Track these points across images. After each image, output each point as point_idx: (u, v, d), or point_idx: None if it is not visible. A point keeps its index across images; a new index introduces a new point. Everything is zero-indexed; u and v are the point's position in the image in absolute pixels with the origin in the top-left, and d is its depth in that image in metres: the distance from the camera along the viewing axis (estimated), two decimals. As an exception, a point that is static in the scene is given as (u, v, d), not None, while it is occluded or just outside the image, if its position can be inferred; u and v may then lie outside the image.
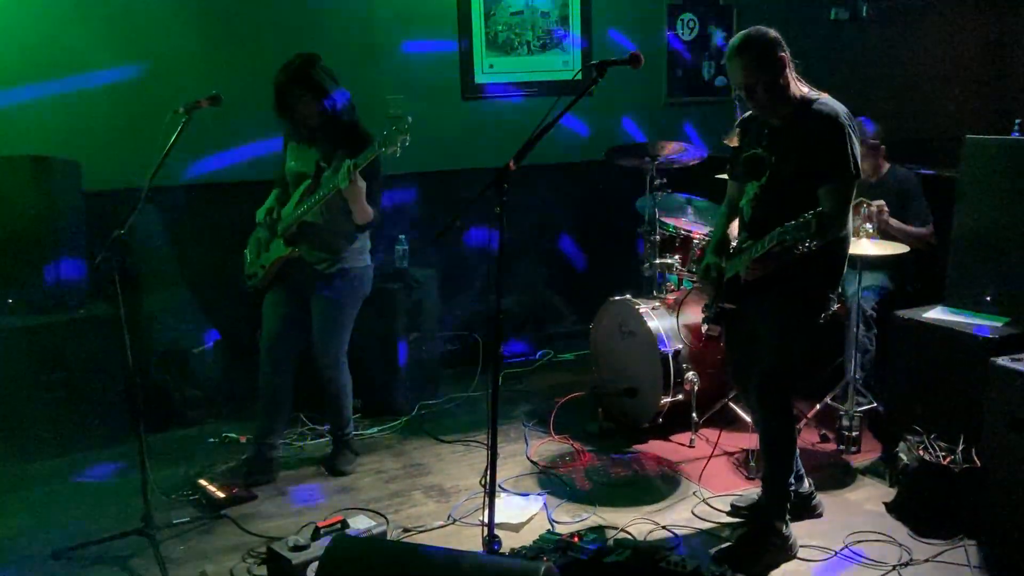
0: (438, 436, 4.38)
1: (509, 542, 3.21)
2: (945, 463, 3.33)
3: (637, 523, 3.45)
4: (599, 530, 3.38)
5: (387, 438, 4.40)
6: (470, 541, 3.32)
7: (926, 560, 3.14)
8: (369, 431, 4.43)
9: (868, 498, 3.62)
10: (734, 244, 3.31)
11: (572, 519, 3.51)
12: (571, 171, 5.60)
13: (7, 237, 4.10)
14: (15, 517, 3.64)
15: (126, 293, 3.19)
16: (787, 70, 3.02)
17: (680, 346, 4.18)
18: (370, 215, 3.64)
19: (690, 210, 4.75)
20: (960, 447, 3.36)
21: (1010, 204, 3.59)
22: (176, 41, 4.56)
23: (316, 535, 3.05)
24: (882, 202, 4.18)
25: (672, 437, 4.26)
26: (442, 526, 3.48)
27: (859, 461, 3.94)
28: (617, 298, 4.44)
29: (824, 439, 4.15)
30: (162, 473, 3.88)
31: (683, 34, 5.78)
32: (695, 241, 4.41)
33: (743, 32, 3.04)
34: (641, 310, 4.26)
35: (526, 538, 3.29)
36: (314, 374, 3.93)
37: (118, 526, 3.40)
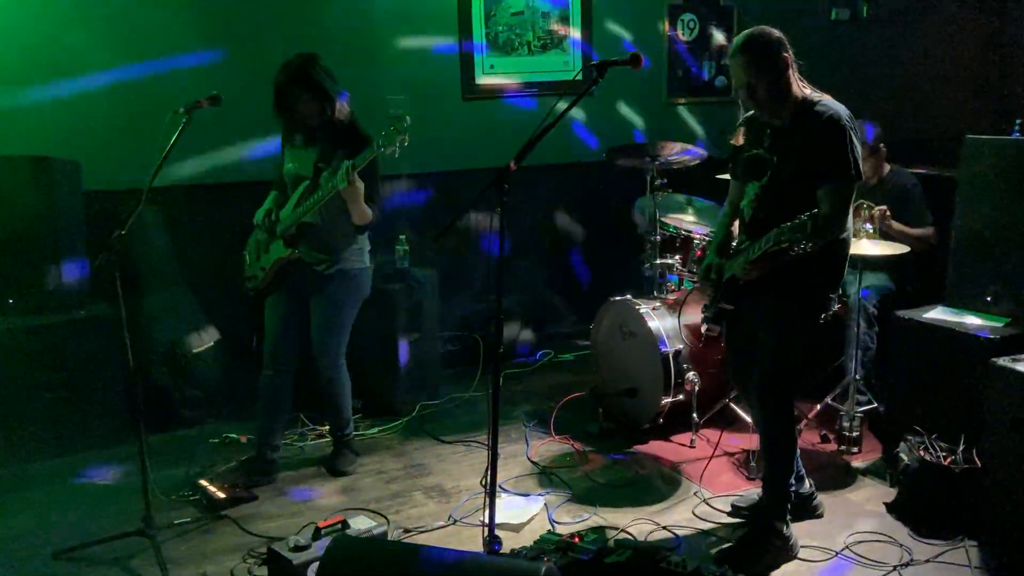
0: (439, 436, 4.38)
1: (510, 543, 3.21)
2: (946, 463, 3.33)
3: (638, 523, 3.46)
4: (600, 530, 3.38)
5: (387, 438, 4.40)
6: (471, 542, 3.33)
7: (927, 560, 3.14)
8: (369, 431, 4.43)
9: (869, 498, 3.62)
10: (735, 245, 3.32)
11: (573, 519, 3.51)
12: (571, 171, 5.60)
13: (7, 237, 4.10)
14: (15, 517, 3.64)
15: (126, 293, 3.19)
16: (789, 71, 3.02)
17: (681, 346, 4.18)
18: (369, 216, 3.64)
19: (690, 210, 4.75)
20: (961, 447, 3.37)
21: (1010, 204, 3.59)
22: (176, 41, 4.56)
23: (317, 535, 3.05)
24: (884, 207, 4.18)
25: (673, 437, 4.26)
26: (443, 527, 3.48)
27: (860, 461, 3.94)
28: (618, 298, 4.44)
29: (825, 439, 4.15)
30: (162, 473, 3.88)
31: (684, 34, 5.78)
32: (695, 241, 4.41)
33: (747, 31, 3.04)
34: (642, 310, 4.26)
35: (527, 538, 3.29)
36: (314, 374, 3.93)
37: (118, 526, 3.40)
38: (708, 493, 3.69)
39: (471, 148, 5.29)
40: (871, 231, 4.07)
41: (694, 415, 4.19)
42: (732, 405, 4.31)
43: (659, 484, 3.83)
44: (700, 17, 5.80)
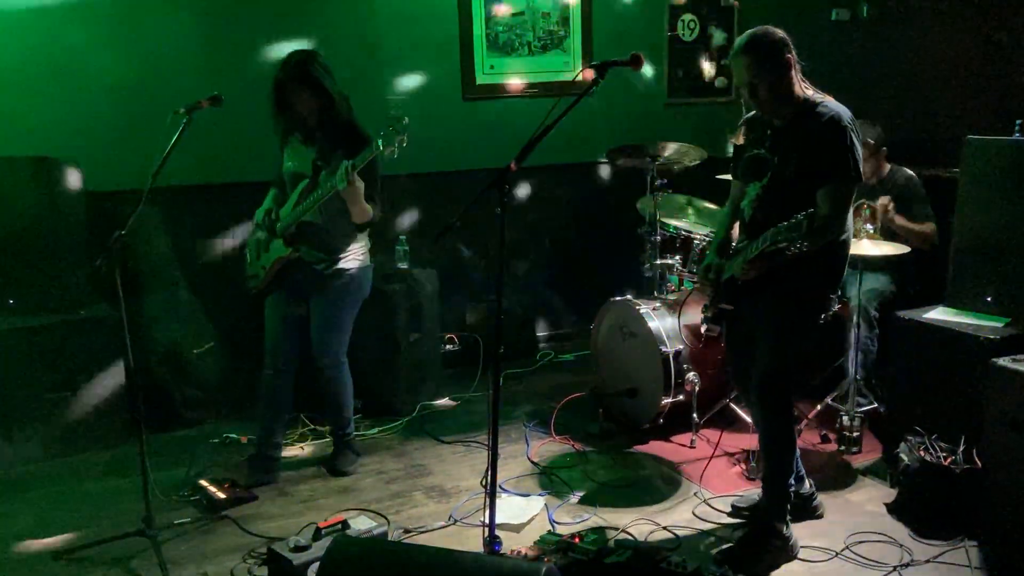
0: (439, 437, 4.38)
1: (510, 543, 3.21)
2: (946, 464, 3.33)
3: (638, 524, 3.45)
4: (600, 531, 3.37)
5: (388, 439, 4.40)
6: (471, 542, 3.33)
7: (927, 561, 3.14)
8: (370, 432, 4.43)
9: (869, 499, 3.62)
10: (734, 245, 3.32)
11: (573, 520, 3.51)
12: (572, 172, 5.60)
13: (8, 237, 4.10)
14: (15, 517, 3.64)
15: (126, 293, 3.19)
16: (792, 71, 3.02)
17: (681, 347, 4.18)
18: (369, 214, 3.64)
19: (690, 211, 4.75)
20: (961, 448, 3.37)
21: (1011, 205, 3.59)
22: (177, 41, 4.56)
23: (317, 536, 3.05)
24: (888, 198, 4.18)
25: (673, 438, 4.26)
26: (443, 527, 3.48)
27: (860, 462, 3.94)
28: (618, 299, 4.44)
29: (825, 440, 4.15)
30: (163, 474, 3.88)
31: (684, 35, 5.78)
32: (695, 242, 4.42)
33: (750, 31, 3.04)
34: (642, 311, 4.26)
35: (527, 539, 3.29)
36: (314, 374, 3.93)
37: (119, 527, 3.40)
38: (708, 493, 3.69)
39: (471, 149, 5.30)
40: (872, 231, 4.07)
41: (694, 415, 4.19)
42: (732, 405, 4.31)
43: (659, 484, 3.83)
44: (700, 17, 5.80)
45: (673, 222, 4.62)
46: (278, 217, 3.75)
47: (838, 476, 3.81)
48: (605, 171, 5.02)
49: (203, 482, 3.79)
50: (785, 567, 3.14)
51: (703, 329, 3.42)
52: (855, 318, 3.99)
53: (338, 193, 3.50)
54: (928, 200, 4.37)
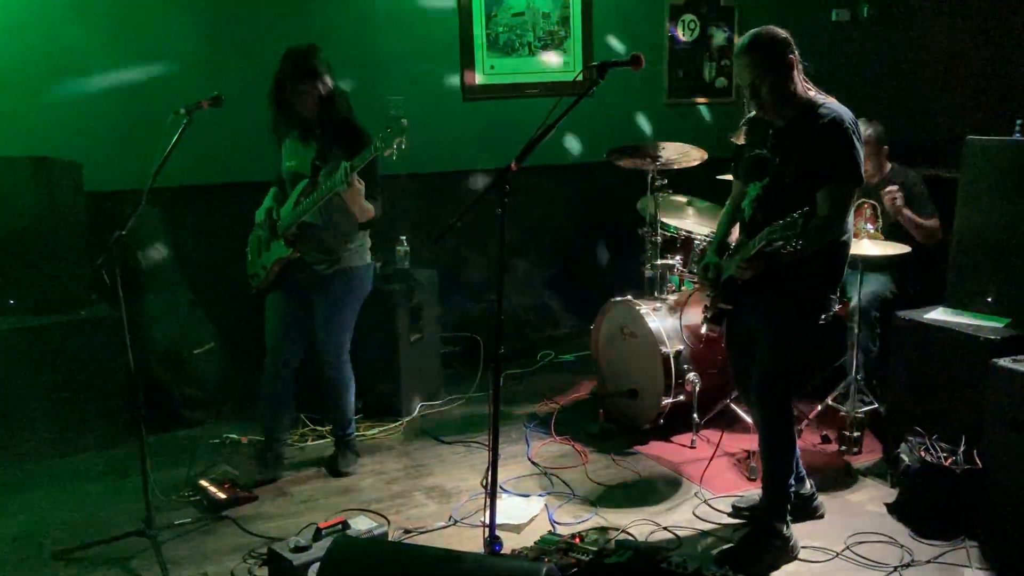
0: (439, 437, 4.38)
1: (510, 543, 3.21)
2: (946, 464, 3.33)
3: (638, 524, 3.45)
4: (600, 531, 3.37)
5: (388, 439, 4.40)
6: (471, 542, 3.32)
7: (927, 561, 3.14)
8: (370, 432, 4.43)
9: (869, 499, 3.62)
10: (732, 244, 3.32)
11: (573, 520, 3.51)
12: (572, 172, 5.60)
13: (8, 238, 4.10)
14: (15, 517, 3.63)
15: (127, 294, 3.19)
16: (794, 72, 3.01)
17: (681, 347, 4.18)
18: (371, 213, 3.64)
19: (691, 211, 4.75)
20: (961, 448, 3.36)
21: (1011, 205, 3.59)
22: (177, 42, 4.56)
23: (317, 536, 3.04)
24: (896, 187, 4.18)
25: (673, 438, 4.26)
26: (443, 527, 3.48)
27: (860, 462, 3.94)
28: (618, 299, 4.44)
29: (825, 440, 4.15)
30: (163, 474, 3.88)
31: (684, 35, 5.78)
32: (696, 242, 4.42)
33: (753, 30, 3.04)
34: (642, 311, 4.26)
35: (527, 539, 3.29)
36: (315, 374, 3.94)
37: (119, 527, 3.40)
38: (709, 494, 3.69)
39: (472, 149, 5.30)
40: (872, 231, 4.06)
41: (695, 416, 4.19)
42: (733, 406, 4.31)
43: (660, 485, 3.83)
44: (701, 18, 5.80)
45: (673, 222, 4.62)
46: (279, 217, 3.75)
47: (838, 476, 3.81)
48: (605, 171, 5.02)
49: (203, 482, 3.79)
50: (785, 567, 3.14)
51: (703, 329, 3.42)
52: (855, 318, 3.99)
53: (339, 193, 3.50)
54: (930, 198, 4.37)
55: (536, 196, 5.52)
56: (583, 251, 5.75)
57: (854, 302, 3.99)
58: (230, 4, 4.69)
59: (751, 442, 3.79)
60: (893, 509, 3.48)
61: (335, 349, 3.86)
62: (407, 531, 3.44)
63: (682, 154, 4.52)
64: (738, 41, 3.06)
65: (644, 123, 5.72)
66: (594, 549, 3.02)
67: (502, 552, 3.01)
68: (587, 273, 5.76)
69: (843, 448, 4.01)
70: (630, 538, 3.33)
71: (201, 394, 4.60)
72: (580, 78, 3.48)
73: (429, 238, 4.96)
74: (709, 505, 3.60)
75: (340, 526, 3.12)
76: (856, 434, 4.00)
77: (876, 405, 4.12)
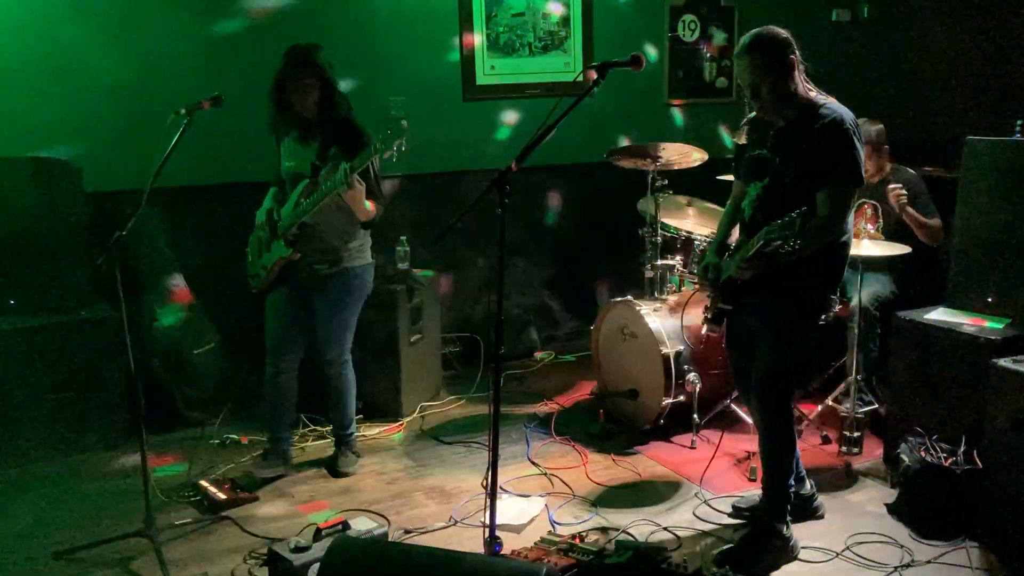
0: (439, 437, 4.38)
1: (510, 544, 3.20)
2: (946, 464, 3.33)
3: (638, 524, 3.45)
4: (601, 531, 3.37)
5: (388, 439, 4.40)
6: (471, 543, 3.32)
7: (927, 562, 3.14)
8: (370, 432, 4.43)
9: (869, 499, 3.62)
10: (732, 245, 3.32)
11: (573, 520, 3.51)
12: (572, 172, 5.60)
13: (9, 238, 4.10)
14: (16, 517, 3.63)
15: (127, 294, 3.19)
16: (795, 72, 3.01)
17: (681, 347, 4.18)
18: (372, 212, 3.65)
19: (691, 211, 4.75)
20: (961, 448, 3.37)
21: (1011, 205, 3.58)
22: (177, 42, 4.56)
23: (317, 536, 3.04)
24: (900, 186, 4.19)
25: (673, 438, 4.26)
26: (443, 527, 3.48)
27: (860, 462, 3.94)
28: (619, 299, 4.44)
29: (826, 440, 4.15)
30: (163, 474, 3.88)
31: (684, 35, 5.78)
32: (696, 242, 4.42)
33: (754, 31, 3.04)
34: (643, 311, 4.26)
35: (528, 540, 3.29)
36: (316, 374, 3.94)
37: (119, 528, 3.40)
38: (709, 494, 3.69)
39: (472, 149, 5.29)
40: (873, 231, 4.06)
41: (695, 416, 4.19)
42: (733, 406, 4.31)
43: (660, 485, 3.83)
44: (701, 18, 5.80)
45: (674, 223, 4.62)
46: (279, 217, 3.75)
47: (839, 477, 3.81)
48: (606, 171, 5.02)
49: (203, 483, 3.79)
50: (785, 568, 3.14)
51: (704, 330, 3.42)
52: (856, 318, 3.99)
53: (340, 193, 3.50)
54: (931, 198, 4.37)
55: (536, 196, 5.53)
56: (583, 251, 5.74)
57: (854, 302, 3.99)
58: (230, 4, 4.68)
59: (751, 442, 3.79)
60: (893, 509, 3.48)
61: (336, 349, 3.86)
62: (407, 531, 3.45)
63: (682, 154, 4.52)
64: (739, 42, 3.06)
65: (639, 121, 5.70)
66: (594, 549, 3.03)
67: (502, 553, 3.01)
68: (587, 273, 5.76)
69: (843, 448, 4.01)
70: (630, 538, 3.33)
71: (201, 394, 4.60)
72: (580, 78, 3.48)
73: (429, 238, 4.97)
74: (709, 505, 3.60)
75: (340, 526, 3.12)
76: (856, 434, 4.00)
77: (876, 405, 4.12)
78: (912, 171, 4.48)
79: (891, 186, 4.22)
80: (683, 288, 4.55)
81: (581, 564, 2.99)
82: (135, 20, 4.49)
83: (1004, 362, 3.14)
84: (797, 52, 3.03)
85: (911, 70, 6.12)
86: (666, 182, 4.48)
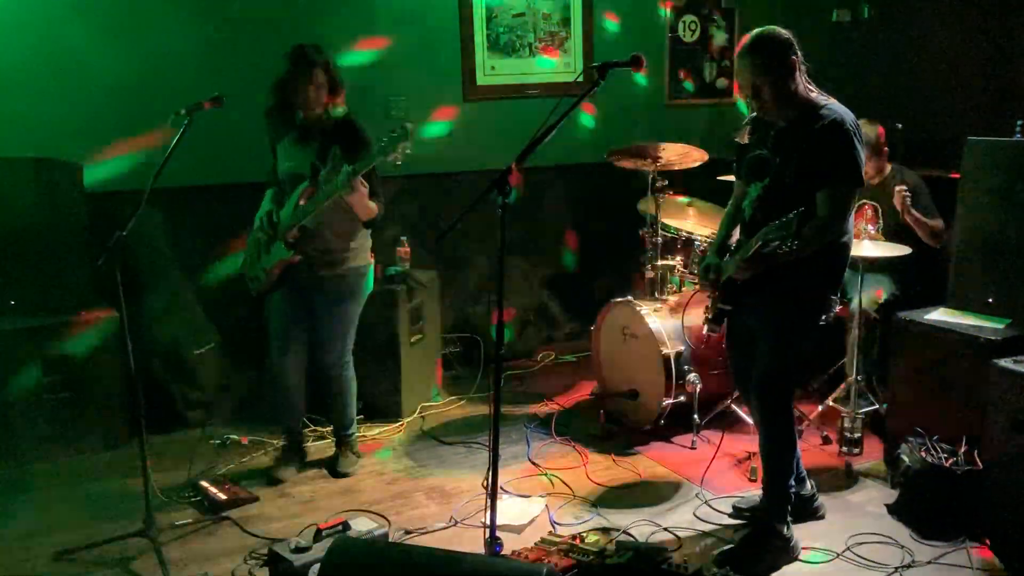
0: (440, 438, 4.38)
1: (511, 544, 3.20)
2: (947, 465, 3.33)
3: (639, 525, 3.45)
4: (601, 532, 3.37)
5: (389, 440, 4.40)
6: (472, 543, 3.32)
7: (928, 562, 3.14)
8: (371, 433, 4.43)
9: (870, 500, 3.61)
10: (732, 245, 3.32)
11: (574, 521, 3.51)
12: (573, 173, 5.60)
13: (9, 239, 4.10)
14: (16, 518, 3.63)
15: (127, 294, 3.19)
16: (796, 73, 3.01)
17: (682, 347, 4.18)
18: (374, 211, 3.65)
19: (691, 212, 4.75)
20: (962, 449, 3.37)
21: (1012, 206, 3.59)
22: (177, 42, 4.56)
23: (318, 537, 3.04)
24: (904, 187, 4.19)
25: (674, 439, 4.26)
26: (444, 528, 3.48)
27: (861, 463, 3.94)
28: (619, 300, 4.44)
29: (826, 441, 4.15)
30: (163, 475, 3.88)
31: (685, 36, 5.78)
32: (696, 243, 4.42)
33: (756, 31, 3.03)
34: (643, 311, 4.26)
35: (528, 540, 3.29)
36: (316, 374, 3.94)
37: (119, 528, 3.40)
38: (709, 494, 3.68)
39: (472, 150, 5.29)
40: (873, 232, 4.06)
41: (695, 416, 4.19)
42: (733, 406, 4.31)
43: (660, 485, 3.82)
44: (701, 18, 5.80)
45: (674, 223, 4.62)
46: (279, 219, 3.74)
47: (839, 477, 3.81)
48: (606, 172, 5.02)
49: (204, 483, 3.79)
50: (786, 568, 3.14)
51: (704, 330, 3.42)
52: (856, 319, 3.99)
53: (344, 196, 3.51)
54: (932, 198, 4.37)
55: (537, 197, 5.52)
56: (583, 251, 5.74)
57: (854, 303, 3.99)
58: (230, 4, 4.68)
59: (752, 443, 3.79)
60: (894, 510, 3.48)
61: (338, 349, 3.86)
62: (408, 532, 3.44)
63: (682, 155, 4.52)
64: (741, 42, 3.06)
65: (639, 121, 5.69)
66: (595, 550, 3.03)
67: (503, 553, 3.01)
68: (588, 274, 5.75)
69: (844, 449, 4.01)
70: (631, 539, 3.33)
71: (202, 395, 4.60)
72: (581, 79, 3.47)
73: (430, 239, 4.97)
74: (710, 506, 3.60)
75: (340, 527, 3.12)
76: (857, 435, 4.00)
77: (877, 406, 4.12)
78: (912, 172, 4.48)
79: (897, 188, 4.22)
80: (683, 288, 4.55)
81: (581, 564, 2.99)
82: (135, 20, 4.49)
83: (1004, 362, 3.14)
84: (798, 53, 3.02)
85: (911, 70, 6.10)
86: (667, 182, 4.48)
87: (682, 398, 4.18)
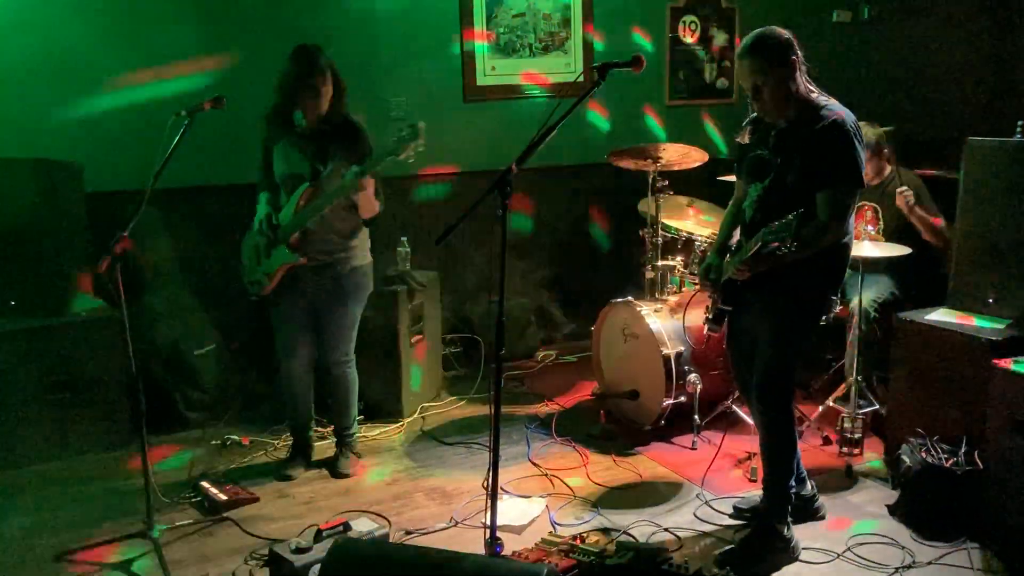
0: (440, 438, 4.38)
1: (511, 544, 3.20)
2: (947, 465, 3.33)
3: (639, 525, 3.45)
4: (601, 532, 3.37)
5: (389, 440, 4.40)
6: (472, 543, 3.32)
7: (928, 563, 3.14)
8: (371, 433, 4.43)
9: (870, 500, 3.61)
10: (732, 245, 3.32)
11: (574, 521, 3.51)
12: (573, 173, 5.59)
13: (9, 239, 4.10)
14: (17, 519, 3.63)
15: (128, 295, 3.19)
16: (797, 73, 3.00)
17: (682, 348, 4.18)
18: (376, 208, 3.67)
19: (691, 212, 4.75)
20: (962, 449, 3.37)
21: (1012, 206, 3.59)
22: (178, 43, 4.56)
23: (318, 537, 3.05)
24: (906, 187, 4.19)
25: (674, 439, 4.25)
26: (444, 528, 3.48)
27: (861, 463, 3.93)
28: (619, 300, 4.44)
29: (827, 441, 4.15)
30: (164, 475, 3.88)
31: (685, 36, 5.78)
32: (697, 243, 4.42)
33: (756, 31, 3.03)
34: (643, 312, 4.26)
35: (528, 540, 3.29)
36: (319, 375, 3.95)
37: (120, 528, 3.41)
38: (710, 495, 3.68)
39: (473, 150, 5.29)
40: (873, 232, 4.06)
41: (696, 417, 4.19)
42: (734, 407, 4.31)
43: (661, 486, 3.82)
44: (701, 19, 5.80)
45: (674, 223, 4.62)
46: (278, 222, 3.73)
47: (839, 478, 3.81)
48: (606, 172, 5.03)
49: (204, 483, 3.79)
50: (786, 569, 3.14)
51: (705, 331, 3.42)
52: (856, 319, 3.99)
53: (350, 195, 3.51)
54: (932, 199, 4.37)
55: (537, 197, 5.52)
56: (584, 252, 5.74)
57: (855, 304, 3.99)
58: (230, 5, 4.68)
59: (752, 443, 3.79)
60: (894, 510, 3.48)
61: (342, 348, 3.88)
62: (408, 532, 3.44)
63: (683, 155, 4.52)
64: (741, 42, 3.06)
65: (639, 121, 5.69)
66: (595, 550, 3.03)
67: (503, 553, 3.01)
68: (588, 274, 5.75)
69: (844, 449, 4.01)
70: (631, 539, 3.33)
71: (202, 395, 4.60)
72: (581, 79, 3.47)
73: (430, 239, 4.96)
74: (710, 506, 3.60)
75: (341, 527, 3.12)
76: (857, 435, 3.99)
77: (877, 406, 4.12)
78: (911, 173, 4.48)
79: (900, 189, 4.22)
80: (684, 289, 4.55)
81: (582, 565, 2.99)
82: (135, 20, 4.49)
83: (1005, 363, 3.13)
84: (799, 53, 3.02)
85: (911, 70, 6.11)
86: (667, 183, 4.48)
87: (682, 398, 4.18)
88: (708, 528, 3.44)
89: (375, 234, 3.98)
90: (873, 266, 4.13)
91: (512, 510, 3.56)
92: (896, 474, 3.60)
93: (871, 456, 3.99)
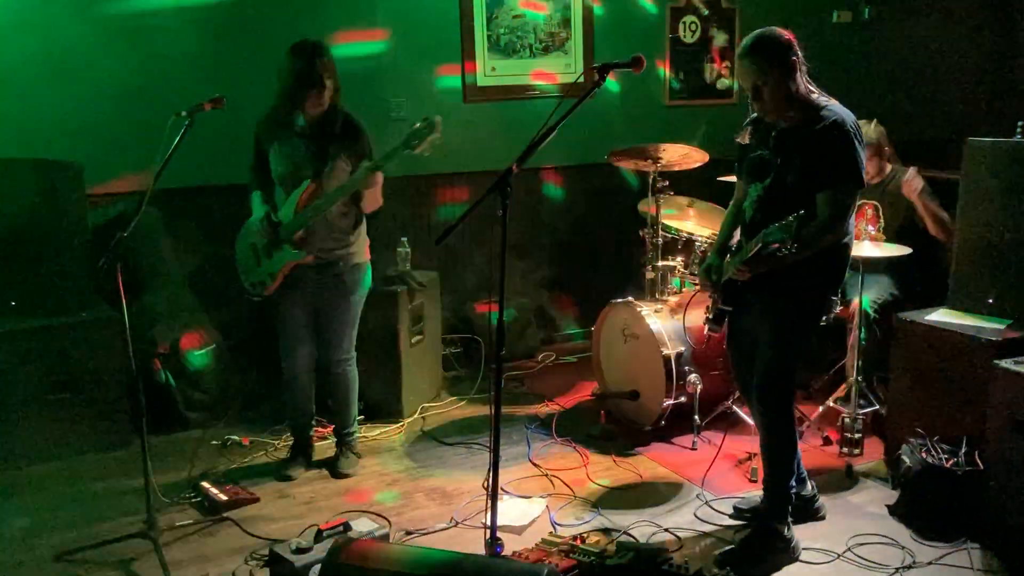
0: (440, 438, 4.38)
1: (512, 545, 3.20)
2: (948, 466, 3.33)
3: (640, 525, 3.45)
4: (602, 532, 3.37)
5: (389, 440, 4.40)
6: (473, 544, 3.31)
7: (929, 563, 3.14)
8: (371, 433, 4.43)
9: (871, 500, 3.61)
10: (732, 246, 3.32)
11: (575, 522, 3.51)
12: (573, 173, 5.60)
13: (9, 239, 4.10)
14: (17, 519, 3.63)
15: (128, 295, 3.19)
16: (797, 74, 3.00)
17: (682, 348, 4.18)
18: (380, 202, 3.71)
19: (692, 212, 4.75)
20: (963, 449, 3.37)
21: (1012, 206, 3.59)
22: (178, 43, 4.56)
23: (319, 538, 3.04)
24: (912, 171, 4.19)
25: (674, 440, 4.25)
26: (444, 529, 3.48)
27: (862, 463, 3.93)
28: (619, 300, 4.44)
29: (827, 441, 4.15)
30: (164, 475, 3.88)
31: (685, 36, 5.78)
32: (697, 244, 4.42)
33: (757, 32, 3.03)
34: (643, 312, 4.26)
35: (529, 541, 3.29)
36: (321, 374, 3.95)
37: (120, 529, 3.40)
38: (710, 495, 3.68)
39: (473, 150, 5.29)
40: (873, 232, 4.06)
41: (696, 417, 4.19)
42: (734, 407, 4.30)
43: (661, 486, 3.82)
44: (701, 19, 5.80)
45: (675, 224, 4.62)
46: (279, 221, 3.73)
47: (840, 478, 3.81)
48: (606, 172, 5.03)
49: (204, 484, 3.79)
50: (787, 569, 3.14)
51: (705, 331, 3.42)
52: (856, 320, 3.99)
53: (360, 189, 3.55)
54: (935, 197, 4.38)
55: (537, 197, 5.52)
56: (584, 252, 5.75)
57: (855, 304, 3.99)
58: (231, 5, 4.68)
59: (753, 444, 3.79)
60: (894, 510, 3.48)
61: (343, 347, 3.88)
62: (408, 532, 3.44)
63: (683, 156, 4.52)
64: (741, 43, 3.06)
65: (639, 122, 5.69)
66: (595, 551, 3.03)
67: (503, 554, 3.01)
68: (588, 274, 5.75)
69: (844, 449, 4.01)
70: (631, 539, 3.33)
71: (203, 396, 4.59)
72: (581, 79, 3.47)
73: (430, 239, 4.97)
74: (710, 507, 3.60)
75: (341, 527, 3.12)
76: (857, 435, 3.99)
77: (877, 407, 4.12)
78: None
79: (905, 178, 4.22)
80: (684, 289, 4.55)
81: (582, 565, 2.99)
82: (136, 20, 4.49)
83: (1005, 363, 3.14)
84: (799, 53, 3.02)
85: (911, 70, 6.12)
86: (667, 183, 4.48)
87: (683, 399, 4.18)
88: (708, 528, 3.44)
89: (375, 234, 3.98)
90: (873, 266, 4.13)
91: (512, 510, 3.56)
92: (896, 474, 3.60)
93: (871, 456, 3.99)
